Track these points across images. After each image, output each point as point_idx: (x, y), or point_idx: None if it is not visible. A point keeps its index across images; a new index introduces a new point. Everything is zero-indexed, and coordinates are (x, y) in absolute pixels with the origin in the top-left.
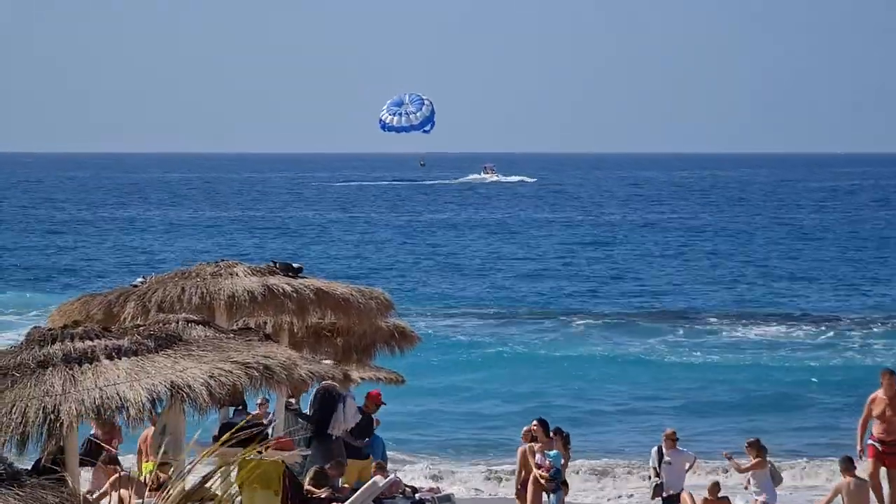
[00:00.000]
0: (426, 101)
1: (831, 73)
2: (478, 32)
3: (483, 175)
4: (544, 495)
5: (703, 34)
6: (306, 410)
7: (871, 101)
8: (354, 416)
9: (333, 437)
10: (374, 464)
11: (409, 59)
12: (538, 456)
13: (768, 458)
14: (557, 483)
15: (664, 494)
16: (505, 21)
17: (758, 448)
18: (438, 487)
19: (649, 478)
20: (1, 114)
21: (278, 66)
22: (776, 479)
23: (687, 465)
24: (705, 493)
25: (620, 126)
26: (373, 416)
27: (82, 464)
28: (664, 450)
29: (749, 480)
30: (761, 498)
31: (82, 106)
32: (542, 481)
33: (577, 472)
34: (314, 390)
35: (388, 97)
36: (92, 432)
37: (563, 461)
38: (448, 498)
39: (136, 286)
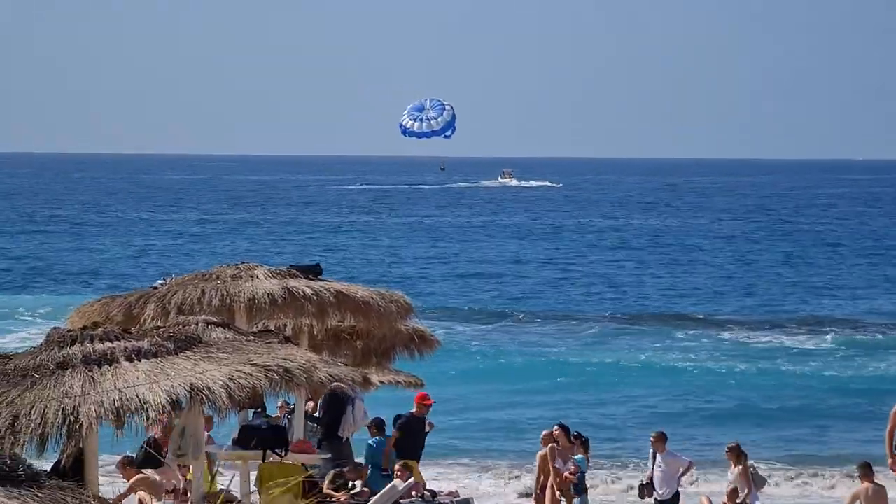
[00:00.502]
0: (447, 107)
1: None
2: (483, 33)
3: (502, 179)
4: (562, 500)
5: (704, 35)
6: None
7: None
8: (363, 418)
9: (343, 440)
10: (397, 466)
11: (419, 60)
12: (559, 460)
13: (749, 463)
14: (580, 488)
15: (655, 497)
16: (507, 22)
17: (738, 453)
18: (457, 491)
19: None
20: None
21: (282, 67)
22: (758, 482)
23: (680, 470)
24: (724, 499)
25: (633, 130)
26: (425, 418)
27: (143, 467)
28: (655, 453)
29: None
30: (748, 501)
31: (82, 106)
32: (568, 484)
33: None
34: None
35: (398, 100)
36: (151, 434)
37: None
38: (467, 502)
39: (156, 288)
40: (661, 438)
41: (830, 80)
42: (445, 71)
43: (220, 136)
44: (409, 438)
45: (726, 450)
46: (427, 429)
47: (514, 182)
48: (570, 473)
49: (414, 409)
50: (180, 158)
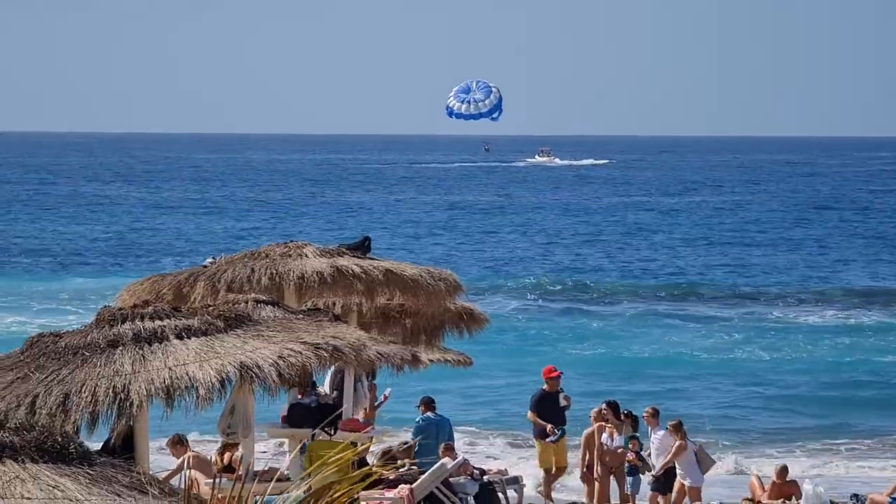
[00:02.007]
0: (493, 89)
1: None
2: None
3: (539, 158)
4: (612, 479)
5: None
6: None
7: None
8: (364, 399)
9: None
10: (442, 445)
11: (465, 37)
12: (605, 437)
13: (696, 441)
14: (633, 467)
15: (653, 474)
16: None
17: (679, 430)
18: (506, 469)
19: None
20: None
21: (323, 45)
22: (704, 462)
23: (672, 450)
24: (773, 477)
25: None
26: (559, 392)
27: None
28: (648, 429)
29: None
30: (686, 481)
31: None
32: (619, 462)
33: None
34: (330, 371)
35: (444, 79)
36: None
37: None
38: (515, 480)
39: (205, 267)
40: (654, 414)
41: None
42: (492, 48)
43: (262, 114)
44: (545, 415)
45: (669, 426)
46: (563, 402)
47: (553, 160)
48: (632, 453)
49: (545, 386)
50: (228, 137)
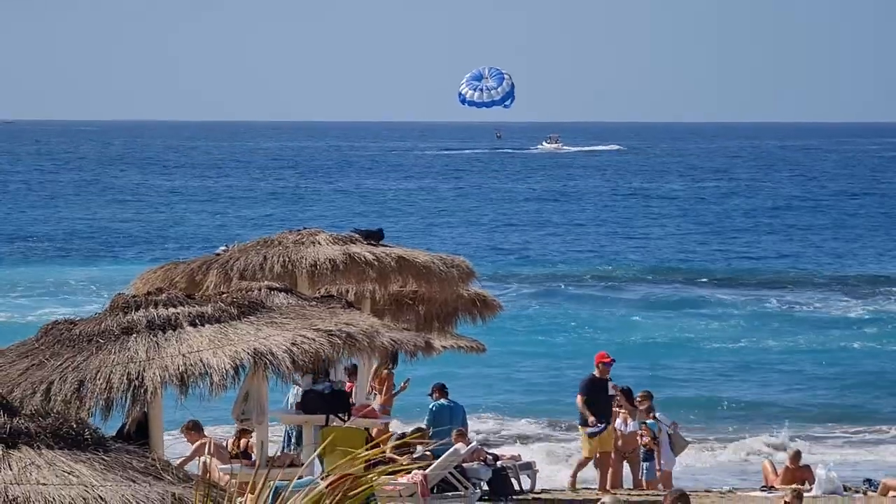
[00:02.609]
0: (506, 76)
1: None
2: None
3: (547, 144)
4: (626, 464)
5: None
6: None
7: None
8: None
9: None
10: (454, 431)
11: (475, 23)
12: (618, 422)
13: (669, 422)
14: (648, 452)
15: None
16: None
17: (645, 401)
18: (519, 455)
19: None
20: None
21: (337, 34)
22: (677, 444)
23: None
24: (787, 463)
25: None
26: (608, 379)
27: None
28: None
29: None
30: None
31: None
32: (634, 447)
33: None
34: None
35: (454, 65)
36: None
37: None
38: (529, 465)
39: (218, 254)
40: (648, 398)
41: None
42: (496, 34)
43: (271, 102)
44: (593, 402)
45: (638, 395)
46: (612, 391)
47: (561, 147)
48: (649, 438)
49: (596, 371)
50: (241, 125)
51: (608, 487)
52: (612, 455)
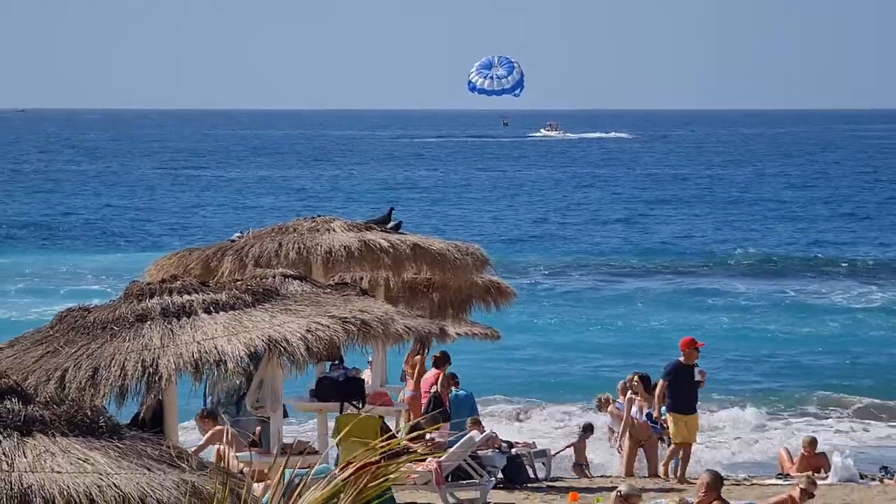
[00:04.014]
0: (515, 65)
1: None
2: None
3: (546, 131)
4: (641, 450)
5: None
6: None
7: None
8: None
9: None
10: (469, 419)
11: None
12: (634, 409)
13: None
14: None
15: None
16: None
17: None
18: (534, 442)
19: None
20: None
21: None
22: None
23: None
24: (802, 450)
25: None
26: (695, 365)
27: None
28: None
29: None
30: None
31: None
32: (648, 434)
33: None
34: None
35: (460, 54)
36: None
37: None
38: (543, 453)
39: (233, 241)
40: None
41: None
42: (502, 19)
43: (278, 90)
44: (679, 388)
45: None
46: (698, 377)
47: (563, 134)
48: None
49: (682, 357)
50: (240, 113)
51: (624, 474)
52: (627, 442)
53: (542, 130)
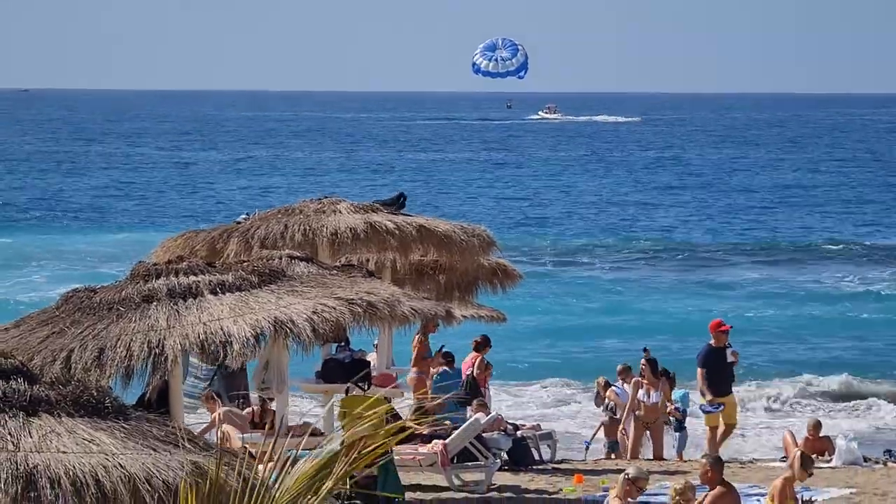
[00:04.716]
0: (519, 47)
1: None
2: None
3: (543, 114)
4: (647, 434)
5: None
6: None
7: None
8: None
9: (231, 370)
10: (475, 401)
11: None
12: (641, 392)
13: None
14: (679, 422)
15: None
16: None
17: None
18: (539, 425)
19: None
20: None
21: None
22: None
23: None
24: (806, 433)
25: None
26: (727, 346)
27: None
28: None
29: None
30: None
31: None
32: (656, 418)
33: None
34: None
35: (465, 35)
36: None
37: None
38: (549, 435)
39: (239, 223)
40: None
41: None
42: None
43: (280, 72)
44: (713, 371)
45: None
46: (731, 358)
47: (562, 116)
48: (672, 407)
49: (712, 340)
50: (242, 94)
51: (629, 457)
52: (632, 425)
53: (540, 113)
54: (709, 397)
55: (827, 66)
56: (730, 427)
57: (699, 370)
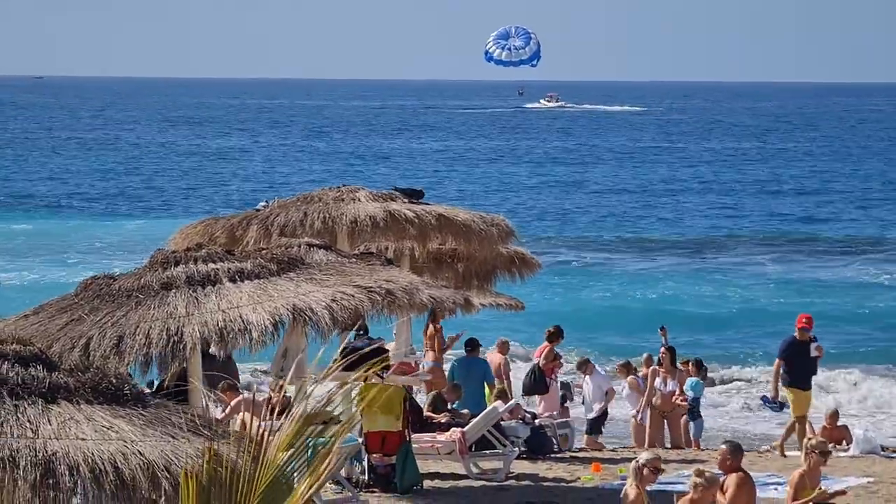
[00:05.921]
0: (532, 35)
1: None
2: None
3: (545, 103)
4: (665, 422)
5: None
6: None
7: None
8: None
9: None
10: (496, 389)
11: None
12: (658, 381)
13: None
14: (695, 413)
15: (588, 416)
16: None
17: (627, 370)
18: (557, 413)
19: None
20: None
21: None
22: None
23: (606, 389)
24: (824, 422)
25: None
26: (811, 340)
27: None
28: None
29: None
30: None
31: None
32: (672, 406)
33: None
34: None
35: (474, 22)
36: None
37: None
38: (566, 424)
39: (258, 210)
40: (585, 362)
41: None
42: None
43: (297, 60)
44: (795, 364)
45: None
46: (815, 353)
47: (565, 106)
48: (682, 398)
49: (796, 333)
50: (246, 82)
51: (646, 446)
52: (650, 414)
53: (541, 101)
54: (771, 394)
55: (826, 57)
56: (800, 420)
57: (777, 361)
